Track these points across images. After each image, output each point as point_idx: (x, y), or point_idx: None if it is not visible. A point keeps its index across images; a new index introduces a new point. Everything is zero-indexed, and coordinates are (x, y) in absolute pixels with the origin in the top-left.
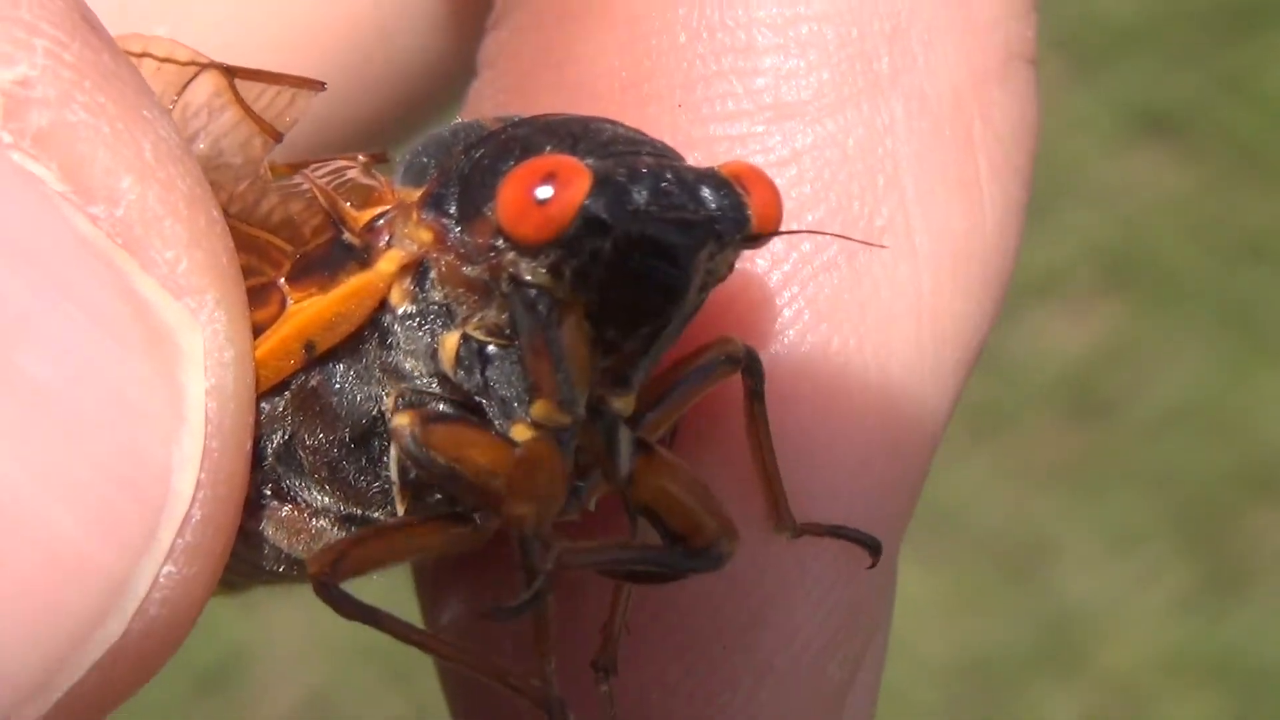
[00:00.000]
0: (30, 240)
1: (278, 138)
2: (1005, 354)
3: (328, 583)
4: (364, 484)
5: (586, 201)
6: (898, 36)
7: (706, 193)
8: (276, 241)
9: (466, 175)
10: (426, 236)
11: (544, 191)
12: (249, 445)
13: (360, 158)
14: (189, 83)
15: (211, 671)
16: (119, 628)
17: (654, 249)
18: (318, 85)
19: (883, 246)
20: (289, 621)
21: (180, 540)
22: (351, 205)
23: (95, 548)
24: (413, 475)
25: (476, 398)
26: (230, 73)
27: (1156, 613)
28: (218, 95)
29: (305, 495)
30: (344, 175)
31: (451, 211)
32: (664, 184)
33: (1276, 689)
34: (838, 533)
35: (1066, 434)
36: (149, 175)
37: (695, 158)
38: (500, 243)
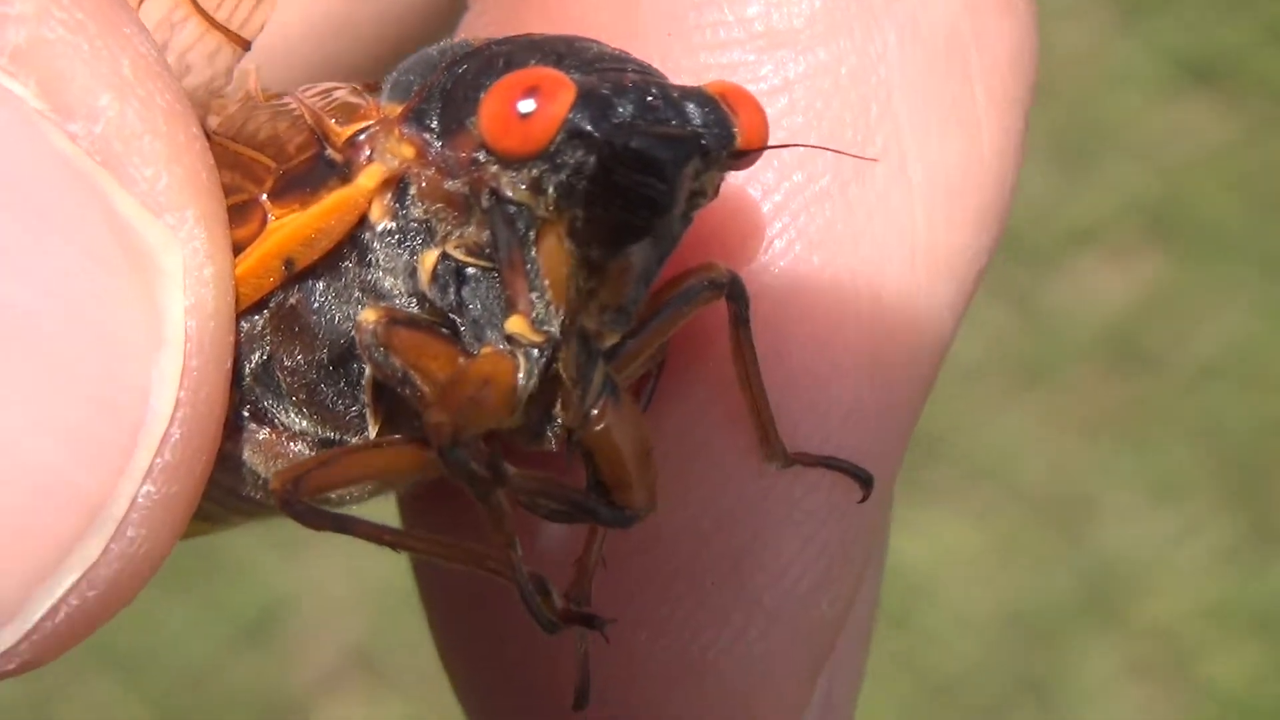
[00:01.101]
0: (8, 159)
1: (245, 45)
2: (1047, 306)
3: (289, 499)
4: (341, 407)
5: (570, 114)
6: None
7: (692, 108)
8: (260, 158)
9: (449, 90)
10: (408, 151)
11: (527, 104)
12: (229, 363)
13: (354, 86)
14: None
15: (253, 622)
16: (97, 548)
17: (639, 163)
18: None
19: (873, 160)
20: (331, 571)
21: (159, 460)
22: (336, 122)
23: (73, 469)
24: (386, 396)
25: (452, 316)
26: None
27: (1199, 564)
28: (177, 7)
29: (283, 418)
30: (332, 95)
31: (434, 126)
32: (650, 99)
33: None
34: (830, 464)
35: (1109, 386)
36: (128, 91)
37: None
38: (482, 156)
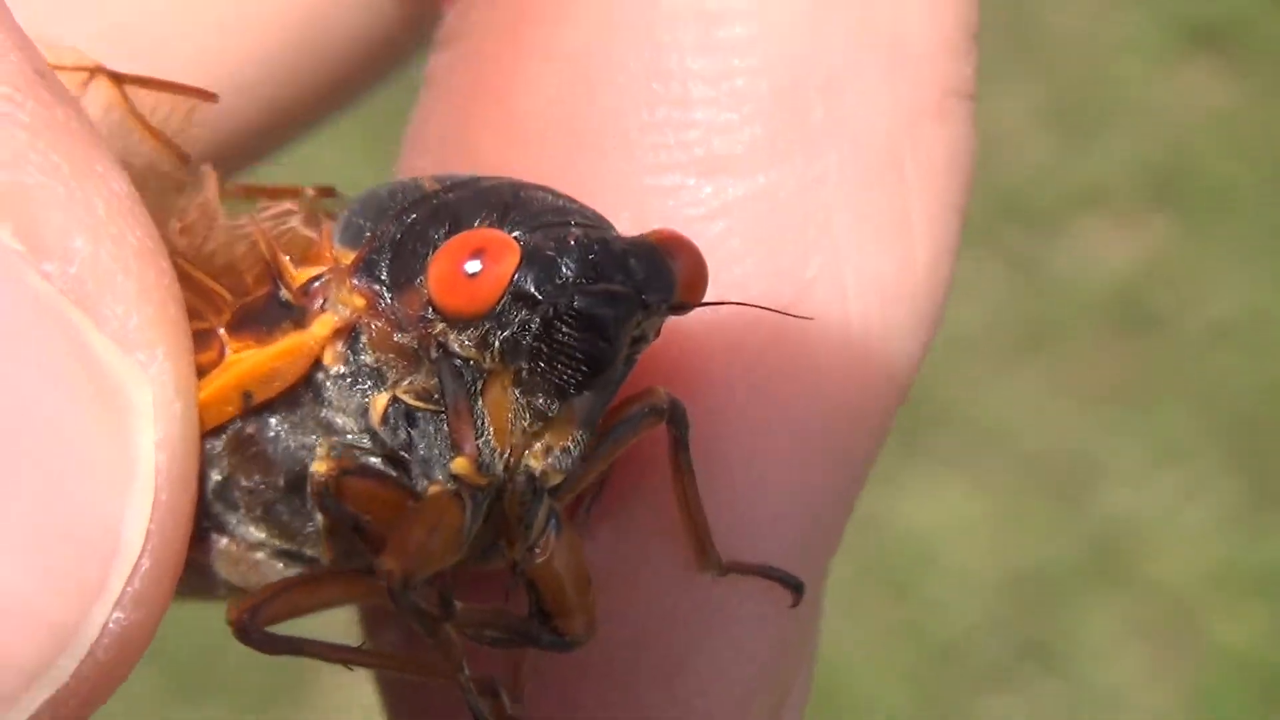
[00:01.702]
0: None
1: (185, 160)
2: (1052, 269)
3: (246, 629)
4: (297, 524)
5: (515, 276)
6: (832, 86)
7: (634, 264)
8: (218, 289)
9: (397, 242)
10: (359, 302)
11: (473, 266)
12: (194, 492)
13: (309, 192)
14: (82, 91)
15: None
16: (68, 671)
17: (582, 323)
18: (211, 96)
19: (807, 319)
20: None
21: (129, 588)
22: (291, 260)
23: (45, 601)
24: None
25: (402, 453)
26: (119, 80)
27: (1203, 527)
28: (110, 109)
29: (242, 531)
30: (287, 222)
31: (383, 278)
32: (591, 256)
33: None
34: (763, 572)
35: (1113, 349)
36: (101, 232)
37: (626, 214)
38: (430, 313)
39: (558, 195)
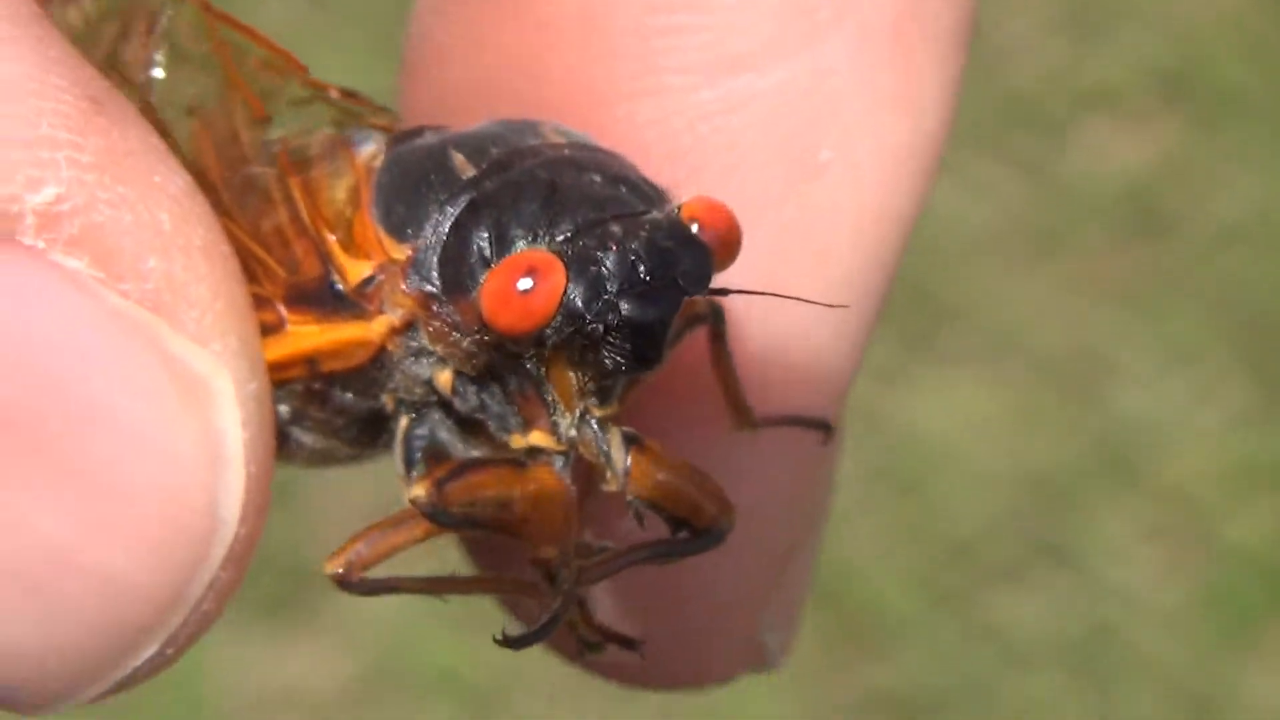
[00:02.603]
0: (73, 320)
1: (265, 118)
2: (1062, 171)
3: (348, 580)
4: (366, 439)
5: (565, 294)
6: None
7: (673, 254)
8: (270, 262)
9: (444, 246)
10: (413, 304)
11: (525, 284)
12: (273, 456)
13: (333, 93)
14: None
15: (276, 486)
16: (175, 625)
17: (631, 326)
18: (302, 68)
19: (844, 306)
20: None
21: (232, 553)
22: (338, 241)
23: (155, 579)
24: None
25: (477, 416)
26: (209, 10)
27: (1214, 427)
28: (199, 40)
29: (312, 442)
30: (314, 166)
31: (435, 284)
32: (634, 259)
33: None
34: (792, 420)
35: (1124, 251)
36: (170, 246)
37: (646, 111)
38: (483, 326)
39: (595, 171)
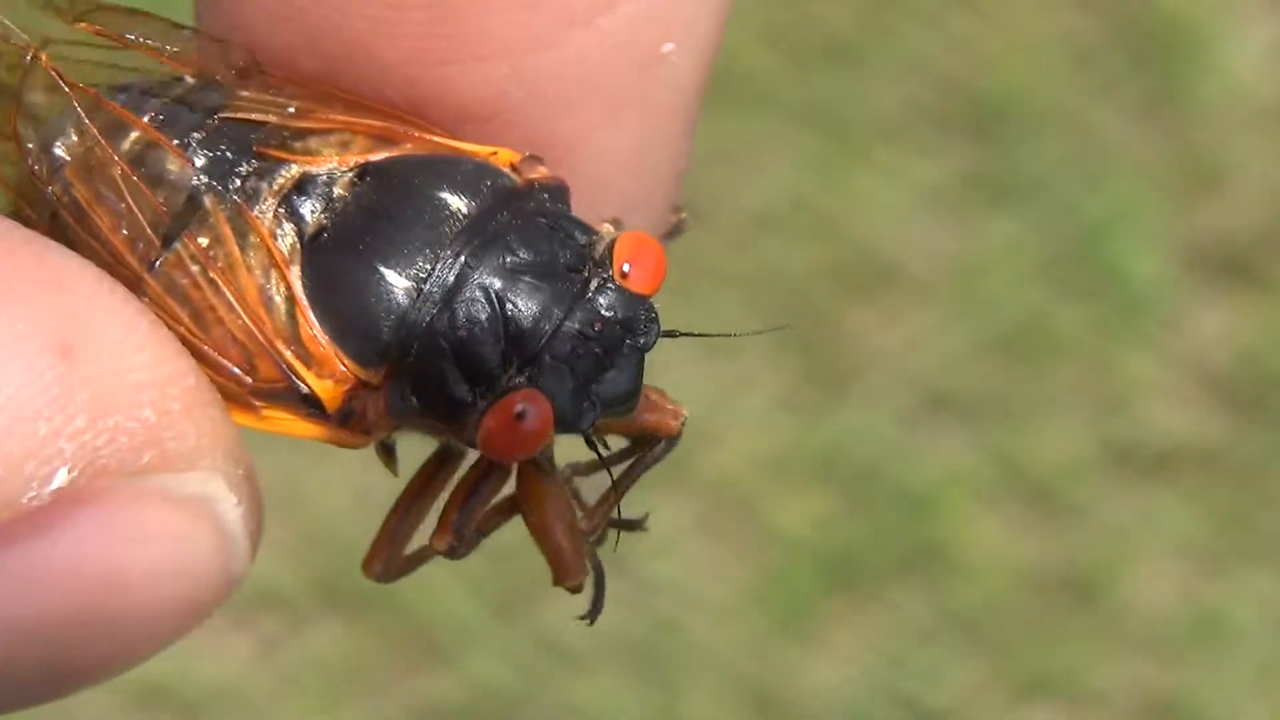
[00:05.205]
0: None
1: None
2: None
3: (455, 549)
4: None
5: (555, 418)
6: None
7: (628, 324)
8: (228, 366)
9: (417, 377)
10: (397, 424)
11: (519, 425)
12: (261, 500)
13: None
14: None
15: None
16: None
17: (615, 401)
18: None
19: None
20: None
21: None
22: (300, 362)
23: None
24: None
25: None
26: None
27: (758, 416)
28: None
29: None
30: (243, 255)
31: (415, 404)
32: (597, 350)
33: (876, 483)
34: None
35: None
36: (159, 431)
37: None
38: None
39: (525, 252)
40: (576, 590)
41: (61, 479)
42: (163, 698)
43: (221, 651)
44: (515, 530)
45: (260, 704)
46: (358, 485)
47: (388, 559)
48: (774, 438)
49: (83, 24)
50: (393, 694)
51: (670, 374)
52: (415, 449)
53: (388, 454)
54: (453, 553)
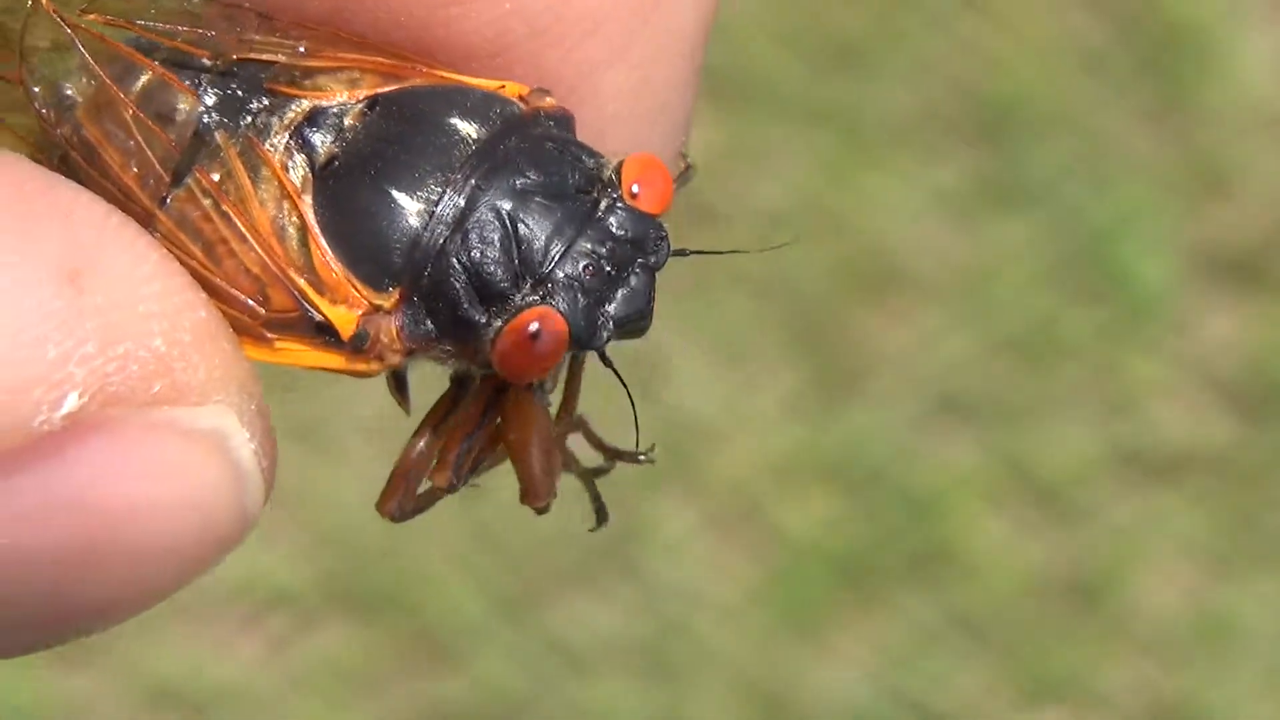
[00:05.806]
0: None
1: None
2: None
3: (454, 487)
4: None
5: (570, 336)
6: None
7: (640, 243)
8: (240, 297)
9: (430, 298)
10: (411, 347)
11: (533, 343)
12: (273, 436)
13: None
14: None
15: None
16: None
17: (628, 320)
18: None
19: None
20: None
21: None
22: (310, 284)
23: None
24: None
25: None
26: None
27: (767, 417)
28: (60, 38)
29: None
30: (256, 188)
31: (429, 326)
32: (609, 270)
33: (885, 485)
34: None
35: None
36: (169, 360)
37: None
38: (489, 366)
39: (535, 173)
40: (542, 511)
41: (72, 403)
42: (171, 698)
43: (230, 652)
44: (524, 533)
45: (269, 704)
46: (368, 486)
47: (401, 498)
48: (782, 439)
49: None
50: (401, 695)
51: (680, 375)
52: (428, 395)
53: (400, 388)
54: (452, 488)
